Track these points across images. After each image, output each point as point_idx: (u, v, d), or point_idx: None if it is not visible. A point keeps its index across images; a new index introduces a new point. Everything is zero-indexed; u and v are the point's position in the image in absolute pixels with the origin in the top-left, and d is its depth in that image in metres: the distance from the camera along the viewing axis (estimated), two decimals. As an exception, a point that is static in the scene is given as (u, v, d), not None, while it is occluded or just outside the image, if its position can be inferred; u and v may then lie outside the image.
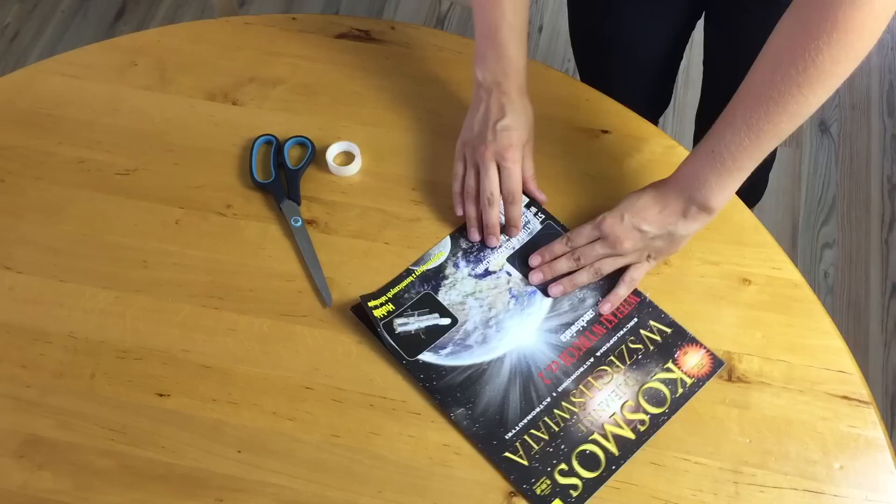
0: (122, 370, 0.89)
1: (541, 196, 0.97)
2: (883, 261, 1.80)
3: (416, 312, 0.91)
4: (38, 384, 0.88)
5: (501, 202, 0.94)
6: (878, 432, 0.84)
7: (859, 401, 0.86)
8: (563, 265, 0.92)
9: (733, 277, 0.93)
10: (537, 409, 0.85)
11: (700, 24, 1.23)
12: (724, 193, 0.86)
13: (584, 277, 0.91)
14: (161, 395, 0.87)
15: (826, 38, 0.73)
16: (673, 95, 1.40)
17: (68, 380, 0.88)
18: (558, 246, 0.93)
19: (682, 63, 1.33)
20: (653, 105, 1.37)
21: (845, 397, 0.86)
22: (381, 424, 0.85)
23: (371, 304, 0.91)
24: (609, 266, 0.91)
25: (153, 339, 0.90)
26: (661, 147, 1.02)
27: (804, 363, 0.88)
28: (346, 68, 1.09)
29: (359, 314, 0.91)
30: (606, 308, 0.90)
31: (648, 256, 0.91)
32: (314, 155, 1.02)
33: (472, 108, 0.96)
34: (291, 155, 1.02)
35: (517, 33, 0.94)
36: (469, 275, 0.94)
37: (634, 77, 1.29)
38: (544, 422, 0.85)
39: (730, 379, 0.87)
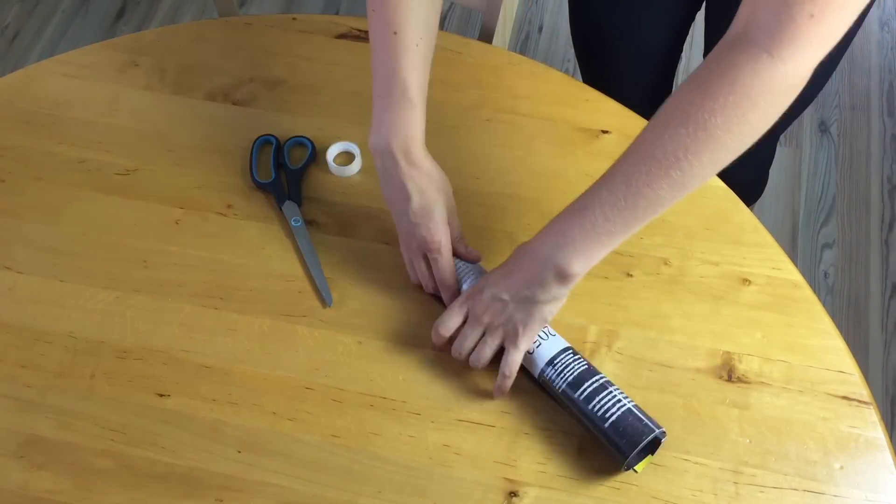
0: (122, 370, 0.89)
1: (473, 254, 0.91)
2: (883, 261, 1.80)
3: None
4: (38, 384, 0.88)
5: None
6: (878, 432, 0.84)
7: (859, 401, 0.86)
8: (464, 349, 0.85)
9: (733, 277, 0.93)
10: None
11: (700, 19, 1.23)
12: (587, 259, 0.79)
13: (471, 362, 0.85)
14: (161, 395, 0.87)
15: (722, 100, 0.70)
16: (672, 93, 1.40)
17: (68, 380, 0.88)
18: (435, 335, 0.86)
19: (683, 62, 1.33)
20: (654, 100, 1.37)
21: (845, 397, 0.86)
22: (381, 424, 0.85)
23: None
24: (488, 351, 0.84)
25: (153, 339, 0.90)
26: (661, 147, 1.01)
27: (804, 363, 0.88)
28: (346, 68, 1.09)
29: None
30: (498, 394, 0.85)
31: (516, 334, 0.83)
32: (314, 155, 1.02)
33: (381, 182, 0.90)
34: (291, 155, 1.02)
35: (420, 93, 0.87)
36: None
37: (634, 71, 1.29)
38: None
39: (730, 379, 0.87)
